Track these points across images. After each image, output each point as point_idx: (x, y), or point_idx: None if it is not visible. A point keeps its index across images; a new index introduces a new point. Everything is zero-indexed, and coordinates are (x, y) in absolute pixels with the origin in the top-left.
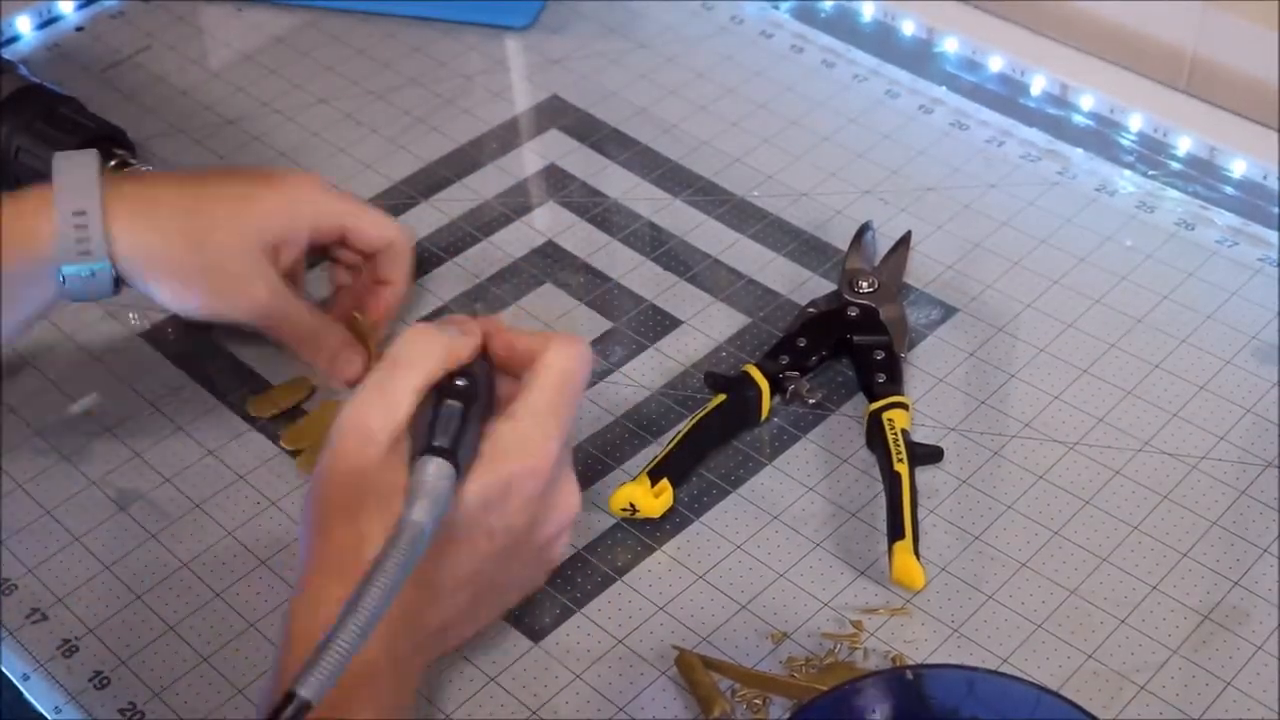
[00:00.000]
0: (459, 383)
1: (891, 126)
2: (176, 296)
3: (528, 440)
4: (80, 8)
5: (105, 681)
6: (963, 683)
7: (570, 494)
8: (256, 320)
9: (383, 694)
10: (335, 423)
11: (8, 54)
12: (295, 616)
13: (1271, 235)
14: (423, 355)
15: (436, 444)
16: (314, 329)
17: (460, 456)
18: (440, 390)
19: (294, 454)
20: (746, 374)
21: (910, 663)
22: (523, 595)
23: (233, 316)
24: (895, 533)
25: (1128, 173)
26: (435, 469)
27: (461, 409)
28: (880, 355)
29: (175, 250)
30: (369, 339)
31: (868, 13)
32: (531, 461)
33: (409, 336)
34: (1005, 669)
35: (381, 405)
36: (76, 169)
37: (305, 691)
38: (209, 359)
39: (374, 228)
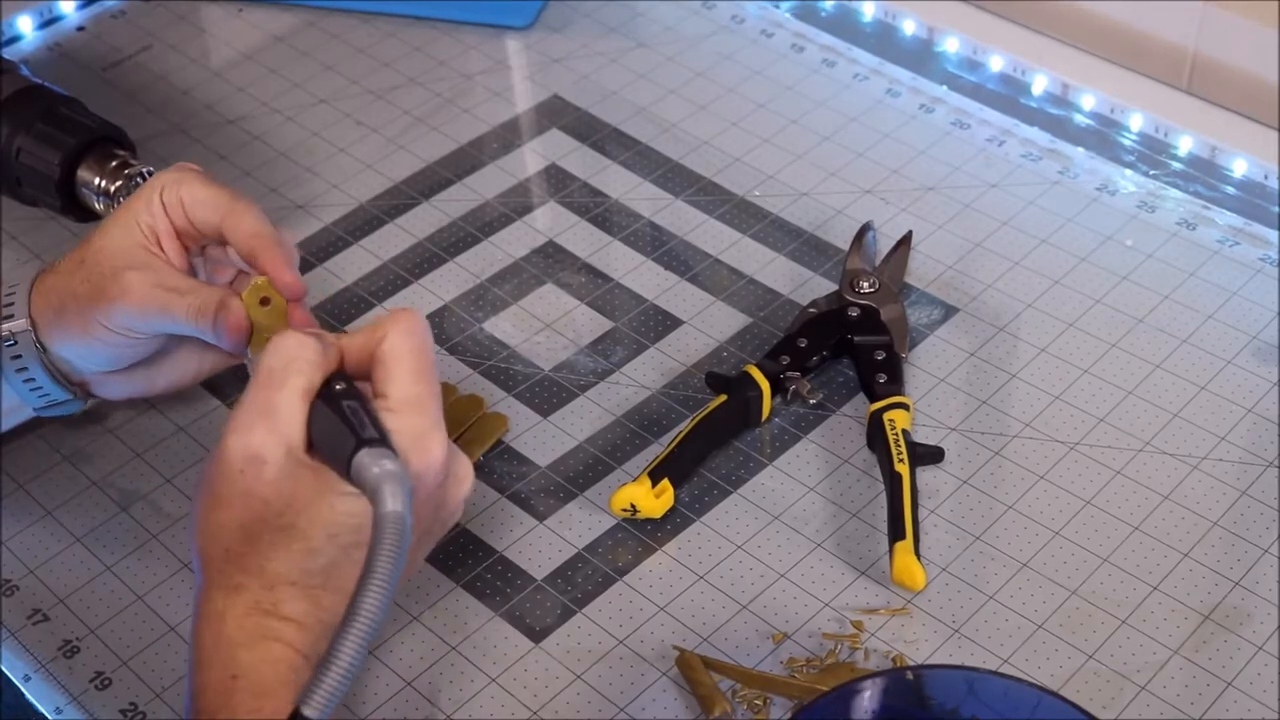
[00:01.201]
0: (338, 385)
1: (892, 126)
2: (79, 328)
3: (421, 434)
4: (81, 7)
5: (107, 682)
6: (963, 683)
7: (463, 467)
8: (139, 309)
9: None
10: (221, 444)
11: (9, 54)
12: (201, 637)
13: (1272, 235)
14: (299, 362)
15: (367, 436)
16: (193, 288)
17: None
18: (324, 396)
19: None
20: (747, 374)
21: (911, 663)
22: (418, 569)
23: (121, 322)
24: (896, 533)
25: (1129, 172)
26: (382, 458)
27: (360, 406)
28: (881, 355)
29: (66, 280)
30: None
31: (868, 12)
32: (430, 456)
33: (281, 345)
34: (1006, 669)
35: (268, 423)
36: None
37: (311, 711)
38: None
39: (248, 221)
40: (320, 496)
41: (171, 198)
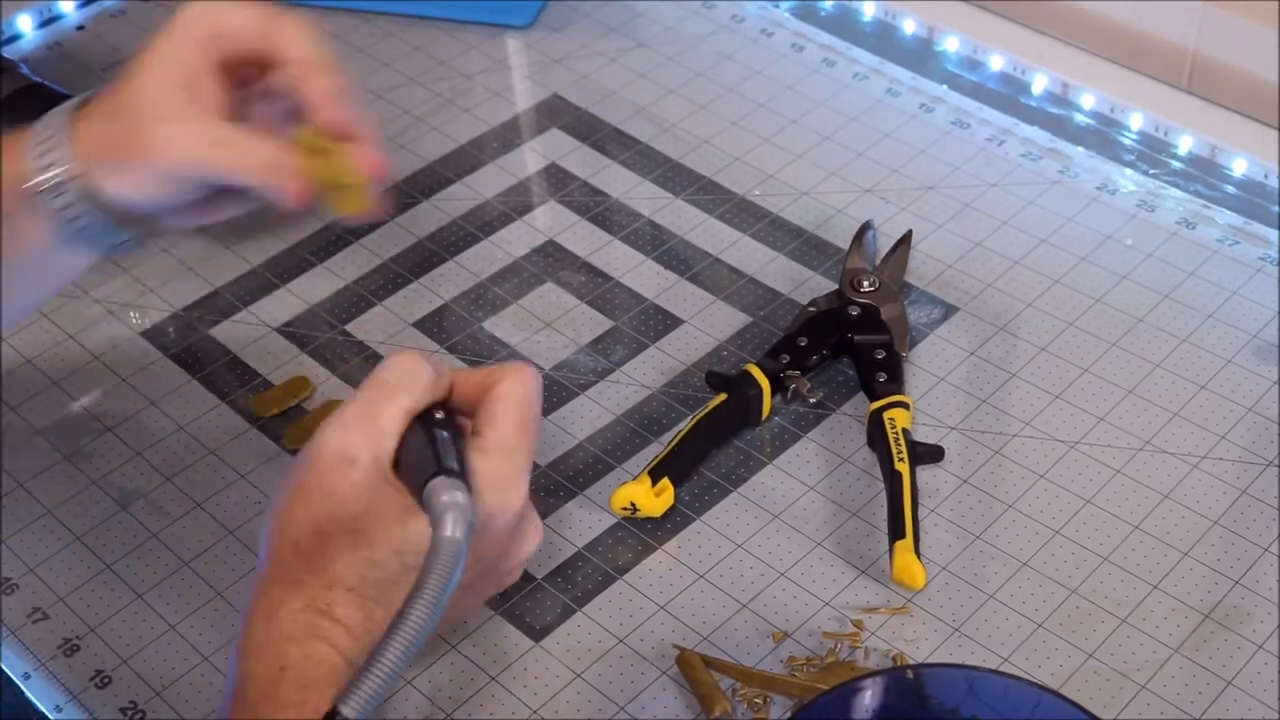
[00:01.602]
0: (438, 414)
1: (892, 125)
2: (122, 172)
3: (504, 478)
4: (81, 7)
5: (106, 680)
6: (963, 682)
7: (534, 526)
8: (179, 166)
9: None
10: (316, 438)
11: (9, 53)
12: (253, 625)
13: (1272, 234)
14: (410, 381)
15: (449, 466)
16: (238, 142)
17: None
18: (421, 420)
19: (294, 453)
20: (747, 373)
21: (911, 662)
22: (472, 611)
23: (162, 177)
24: (896, 532)
25: (1129, 171)
26: (456, 489)
27: (451, 437)
28: (881, 354)
29: (101, 129)
30: (325, 150)
31: (868, 11)
32: (507, 500)
33: (397, 361)
34: (1006, 668)
35: (366, 429)
36: (52, 116)
37: (349, 710)
38: (209, 358)
39: (295, 39)
40: (394, 512)
41: (199, 32)
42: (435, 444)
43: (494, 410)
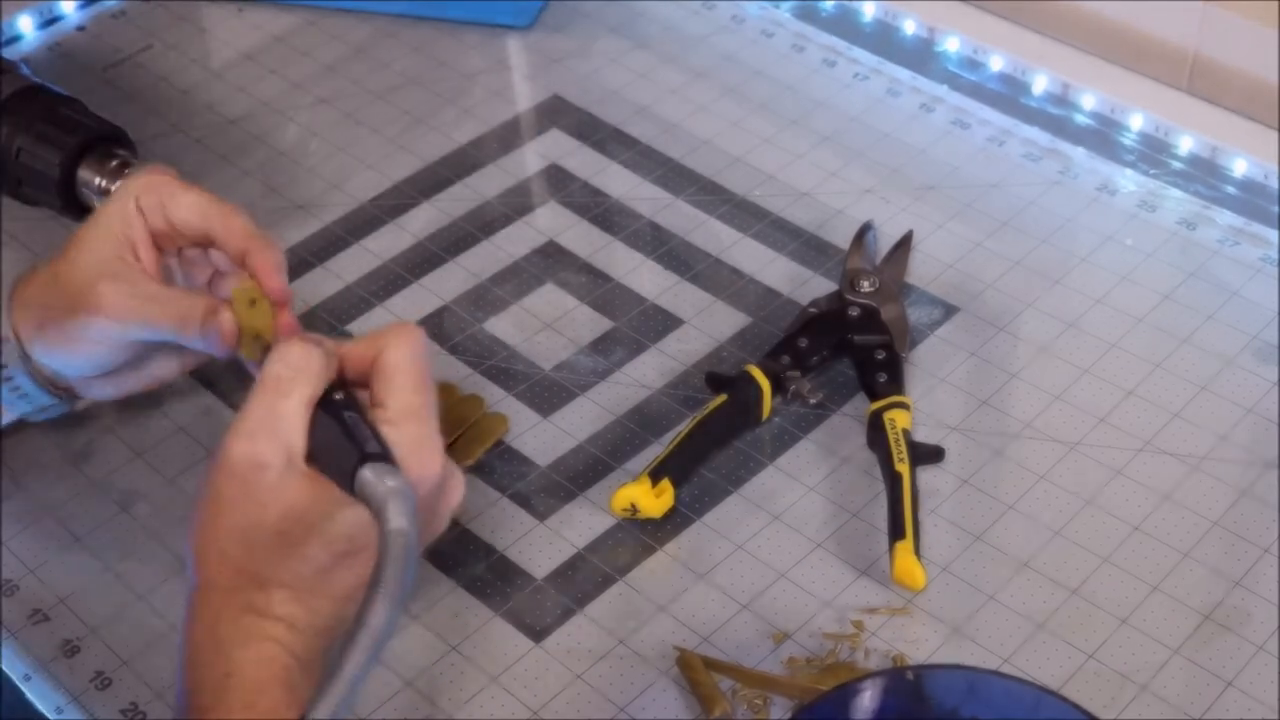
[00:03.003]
0: (336, 395)
1: (892, 125)
2: (59, 340)
3: (420, 444)
4: (82, 7)
5: (107, 682)
6: (963, 683)
7: (455, 479)
8: (118, 321)
9: (299, 691)
10: (224, 450)
11: (9, 54)
12: (194, 637)
13: (1272, 235)
14: (305, 372)
15: (370, 450)
16: (173, 297)
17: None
18: (324, 405)
19: None
20: (748, 374)
21: (911, 663)
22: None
23: (100, 333)
24: (896, 533)
25: (1129, 172)
26: (387, 474)
27: (359, 418)
28: (881, 355)
29: (42, 293)
30: (261, 304)
31: (869, 12)
32: (427, 465)
33: (287, 354)
34: (1006, 669)
35: (273, 432)
36: None
37: (320, 715)
38: (210, 359)
39: (235, 227)
40: (319, 506)
41: (150, 202)
42: (350, 429)
43: (390, 377)
